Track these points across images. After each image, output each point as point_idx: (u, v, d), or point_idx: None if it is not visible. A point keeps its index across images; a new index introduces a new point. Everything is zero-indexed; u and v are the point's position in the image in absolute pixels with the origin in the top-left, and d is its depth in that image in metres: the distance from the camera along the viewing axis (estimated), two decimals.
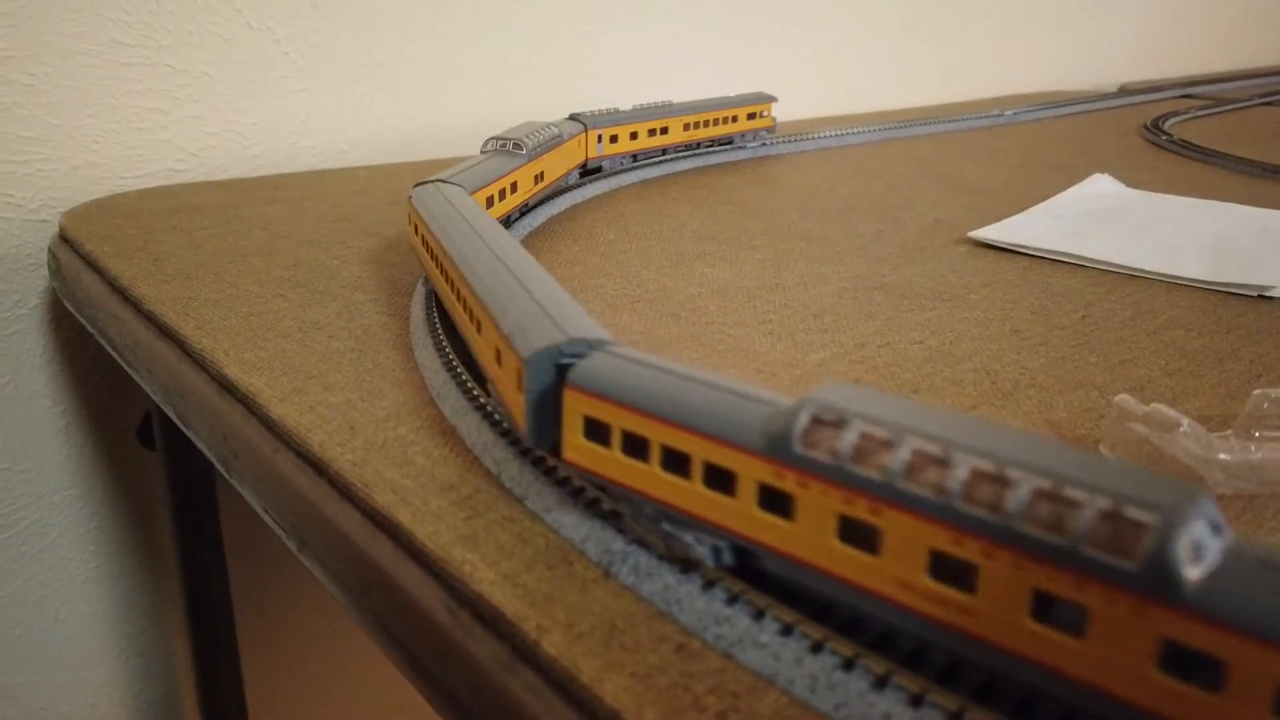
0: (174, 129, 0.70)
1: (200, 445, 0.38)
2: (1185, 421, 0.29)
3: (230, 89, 0.72)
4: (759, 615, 0.22)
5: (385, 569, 0.27)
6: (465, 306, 0.34)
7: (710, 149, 0.81)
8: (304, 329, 0.41)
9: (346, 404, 0.34)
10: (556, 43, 0.89)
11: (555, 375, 0.25)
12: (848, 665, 0.20)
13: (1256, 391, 0.32)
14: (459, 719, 0.24)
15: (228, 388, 0.36)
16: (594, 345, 0.26)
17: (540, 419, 0.26)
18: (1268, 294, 0.48)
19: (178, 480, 0.66)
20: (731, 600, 0.22)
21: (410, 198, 0.46)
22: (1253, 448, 0.29)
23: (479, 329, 0.32)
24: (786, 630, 0.21)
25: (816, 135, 0.90)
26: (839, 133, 0.92)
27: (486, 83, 0.86)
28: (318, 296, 0.45)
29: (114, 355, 0.48)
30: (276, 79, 0.74)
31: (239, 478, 0.35)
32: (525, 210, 0.59)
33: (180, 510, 0.66)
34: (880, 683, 0.19)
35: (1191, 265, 0.52)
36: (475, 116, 0.86)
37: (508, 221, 0.56)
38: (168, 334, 0.42)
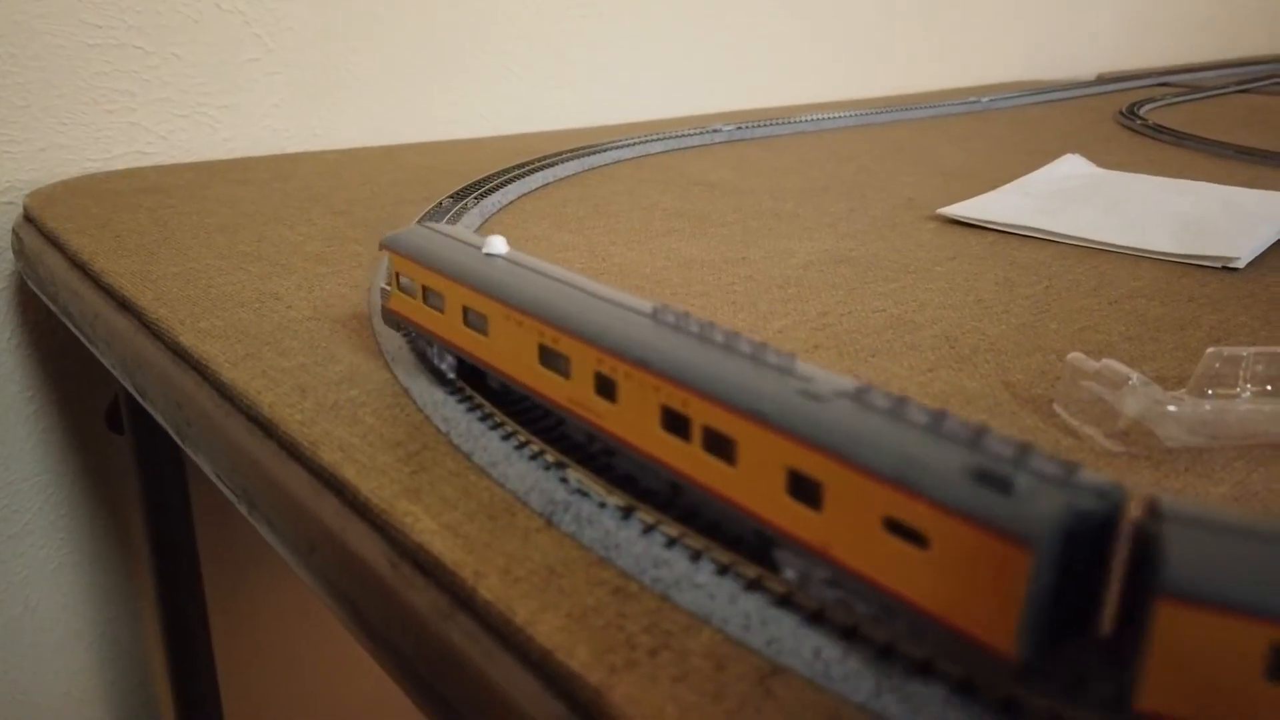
0: (142, 111, 0.69)
1: (156, 415, 0.38)
2: (1134, 375, 0.29)
3: (200, 71, 0.71)
4: (696, 557, 0.21)
5: (330, 526, 0.26)
6: None
7: (687, 133, 0.81)
8: (262, 299, 0.41)
9: (299, 368, 0.34)
10: (536, 32, 0.89)
11: None
12: (781, 602, 0.20)
13: (1209, 350, 0.32)
14: (402, 672, 0.24)
15: (182, 355, 0.36)
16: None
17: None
18: (1231, 265, 0.48)
19: (146, 464, 0.65)
20: (670, 544, 0.22)
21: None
22: (1205, 404, 0.29)
23: None
24: (723, 570, 0.21)
25: (792, 120, 0.90)
26: (815, 118, 0.92)
27: (462, 71, 0.85)
28: (279, 269, 0.45)
29: (76, 332, 0.47)
30: (247, 61, 0.73)
31: (193, 445, 0.35)
32: (488, 191, 0.58)
33: (150, 494, 0.66)
34: (814, 617, 0.19)
35: (1158, 239, 0.52)
36: (452, 102, 0.85)
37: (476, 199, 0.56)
38: (125, 306, 0.42)
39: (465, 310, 0.28)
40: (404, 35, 0.81)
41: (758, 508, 0.20)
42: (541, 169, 0.65)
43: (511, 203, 0.60)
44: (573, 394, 0.25)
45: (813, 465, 0.19)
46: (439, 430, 0.29)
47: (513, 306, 0.26)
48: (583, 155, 0.70)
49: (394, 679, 0.24)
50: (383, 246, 0.32)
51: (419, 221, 0.51)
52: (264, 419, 0.30)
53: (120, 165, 0.68)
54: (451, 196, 0.56)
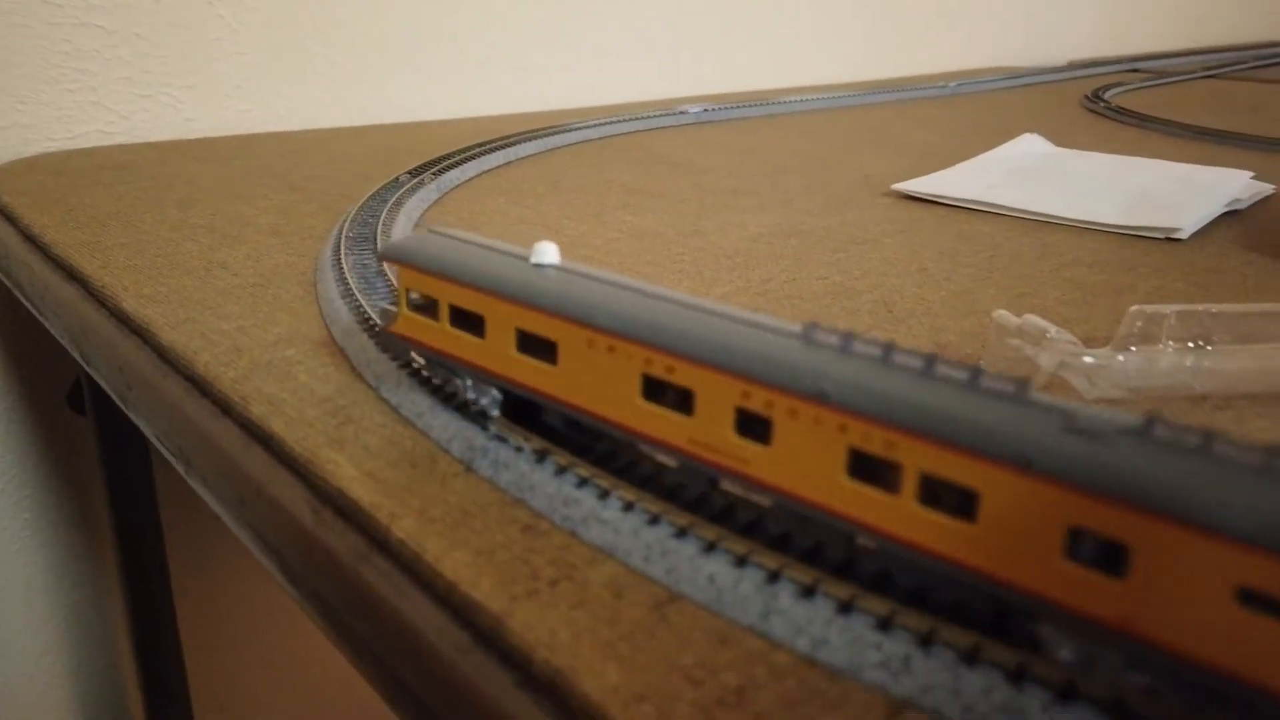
0: (104, 90, 0.69)
1: (100, 380, 0.38)
2: (1052, 329, 0.29)
3: (163, 51, 0.71)
4: (604, 495, 0.22)
5: (258, 478, 0.27)
6: None
7: (652, 114, 0.82)
8: (208, 267, 0.41)
9: (238, 330, 0.34)
10: (507, 14, 0.89)
11: None
12: (680, 534, 0.20)
13: (1132, 308, 0.33)
14: (323, 615, 0.24)
15: (124, 321, 0.36)
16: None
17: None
18: (1174, 236, 0.49)
19: (109, 444, 0.65)
20: (581, 483, 0.22)
21: None
22: (1119, 356, 0.30)
23: None
24: (628, 506, 0.21)
25: (759, 103, 0.90)
26: (782, 101, 0.92)
27: (431, 52, 0.85)
28: (228, 240, 0.45)
29: (27, 305, 0.47)
30: (211, 41, 0.73)
31: (134, 409, 0.35)
32: (446, 168, 0.59)
33: (113, 475, 0.66)
34: (709, 548, 0.20)
35: (1105, 211, 0.53)
36: (421, 84, 0.85)
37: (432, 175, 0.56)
38: (73, 275, 0.42)
39: (521, 335, 0.23)
40: (370, 15, 0.81)
41: (1015, 575, 0.16)
42: (503, 147, 0.65)
43: (470, 180, 0.60)
44: (698, 434, 0.20)
45: (1113, 524, 0.15)
46: (369, 385, 0.29)
47: (602, 329, 0.21)
48: (546, 135, 0.71)
49: (316, 623, 0.25)
50: (385, 257, 0.27)
51: (372, 198, 0.51)
52: (199, 377, 0.31)
53: (82, 144, 0.68)
54: (409, 172, 0.57)
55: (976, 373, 0.17)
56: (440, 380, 0.27)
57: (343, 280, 0.37)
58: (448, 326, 0.25)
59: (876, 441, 0.17)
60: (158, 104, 0.72)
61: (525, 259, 0.24)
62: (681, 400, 0.20)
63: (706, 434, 0.20)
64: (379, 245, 0.41)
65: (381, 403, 0.28)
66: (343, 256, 0.39)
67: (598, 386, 0.22)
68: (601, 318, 0.21)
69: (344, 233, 0.43)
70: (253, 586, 0.81)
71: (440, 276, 0.25)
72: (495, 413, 0.25)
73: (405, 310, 0.26)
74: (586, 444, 0.24)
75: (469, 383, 0.25)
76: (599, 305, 0.22)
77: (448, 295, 0.25)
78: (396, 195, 0.51)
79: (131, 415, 0.35)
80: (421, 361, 0.28)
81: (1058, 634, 0.16)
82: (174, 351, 0.33)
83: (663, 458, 0.22)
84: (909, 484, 0.17)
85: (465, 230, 0.27)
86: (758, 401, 0.19)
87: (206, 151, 0.66)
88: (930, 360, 0.18)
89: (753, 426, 0.19)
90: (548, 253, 0.24)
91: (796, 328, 0.20)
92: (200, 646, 0.78)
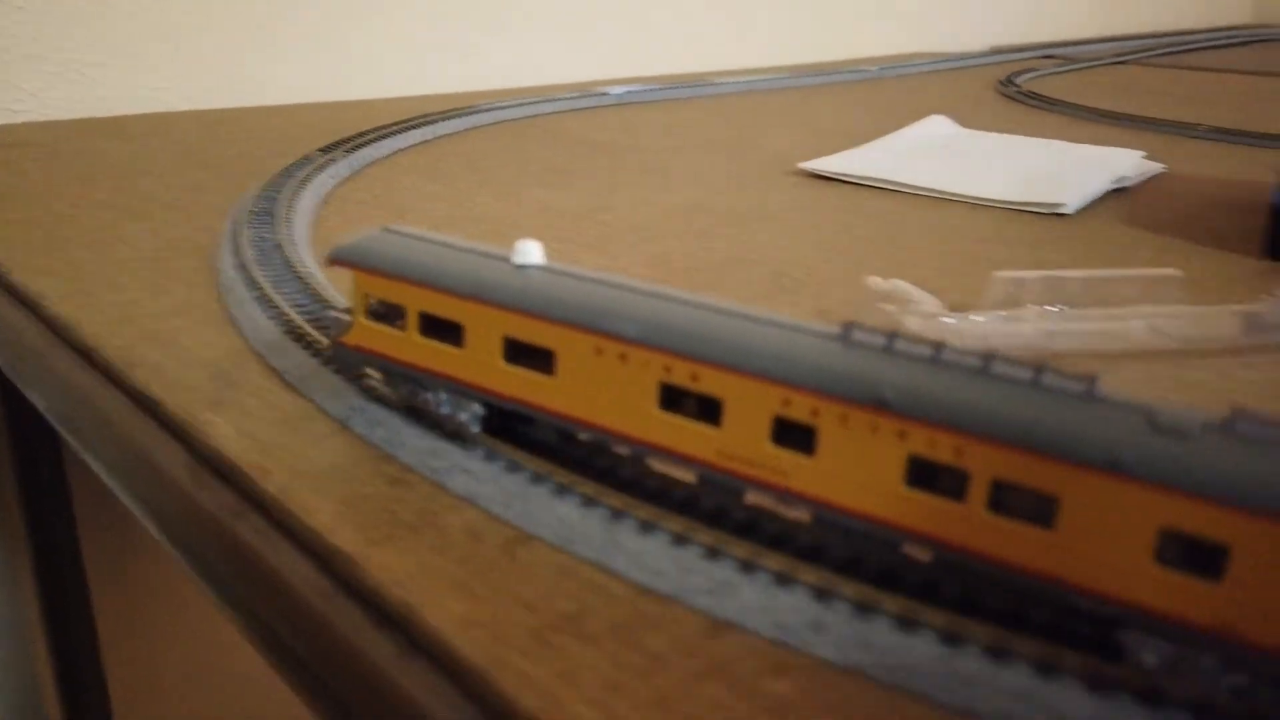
0: (11, 68, 0.68)
1: None
2: (915, 292, 0.31)
3: (73, 27, 0.70)
4: (469, 446, 0.23)
5: (141, 444, 0.27)
6: None
7: (576, 95, 0.82)
8: (106, 242, 0.41)
9: (130, 302, 0.34)
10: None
11: None
12: (536, 479, 0.21)
13: (997, 274, 0.35)
14: (207, 577, 0.25)
15: (14, 294, 0.36)
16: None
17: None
18: (1060, 211, 0.51)
19: (18, 437, 0.64)
20: (450, 437, 0.23)
21: None
22: (980, 318, 0.32)
23: None
24: (490, 456, 0.22)
25: (682, 85, 0.91)
26: (705, 84, 0.93)
27: (352, 31, 0.85)
28: (129, 216, 0.45)
29: None
30: (123, 17, 0.72)
31: (25, 382, 0.35)
32: (359, 146, 0.59)
33: (23, 468, 0.65)
34: (561, 490, 0.21)
35: (996, 188, 0.55)
36: (341, 63, 0.85)
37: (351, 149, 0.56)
38: None
39: (509, 343, 0.21)
40: None
41: (1099, 582, 0.16)
42: (420, 126, 0.65)
43: (385, 157, 0.60)
44: (727, 446, 0.19)
45: (1211, 525, 0.14)
46: (255, 353, 0.30)
47: (611, 335, 0.20)
48: (465, 114, 0.71)
49: (199, 586, 0.25)
50: (336, 261, 0.24)
51: (281, 174, 0.51)
52: (84, 346, 0.31)
53: None
54: (320, 150, 0.57)
55: (1039, 370, 0.17)
56: (406, 394, 0.24)
57: (239, 253, 0.37)
58: (417, 336, 0.23)
59: (943, 448, 0.16)
60: (68, 81, 0.70)
61: (505, 259, 0.22)
62: (707, 410, 0.19)
63: (737, 445, 0.19)
64: (283, 220, 0.41)
65: (268, 370, 0.29)
66: (241, 229, 0.40)
67: (605, 397, 0.20)
68: (611, 323, 0.20)
69: (246, 206, 0.43)
70: (172, 576, 0.80)
71: (409, 281, 0.22)
72: (476, 429, 0.23)
73: (362, 319, 0.24)
74: (585, 459, 0.22)
75: (443, 397, 0.23)
76: (606, 309, 0.20)
77: (418, 301, 0.22)
78: (305, 171, 0.51)
79: (23, 389, 0.35)
80: (378, 376, 0.26)
81: (1141, 639, 0.16)
82: (62, 323, 0.33)
83: (681, 472, 0.21)
84: (978, 491, 0.16)
85: (436, 233, 0.25)
86: (800, 410, 0.18)
87: (119, 129, 0.65)
88: (987, 359, 0.17)
89: (793, 436, 0.18)
90: (531, 252, 0.22)
91: (833, 328, 0.19)
92: (117, 635, 0.77)
